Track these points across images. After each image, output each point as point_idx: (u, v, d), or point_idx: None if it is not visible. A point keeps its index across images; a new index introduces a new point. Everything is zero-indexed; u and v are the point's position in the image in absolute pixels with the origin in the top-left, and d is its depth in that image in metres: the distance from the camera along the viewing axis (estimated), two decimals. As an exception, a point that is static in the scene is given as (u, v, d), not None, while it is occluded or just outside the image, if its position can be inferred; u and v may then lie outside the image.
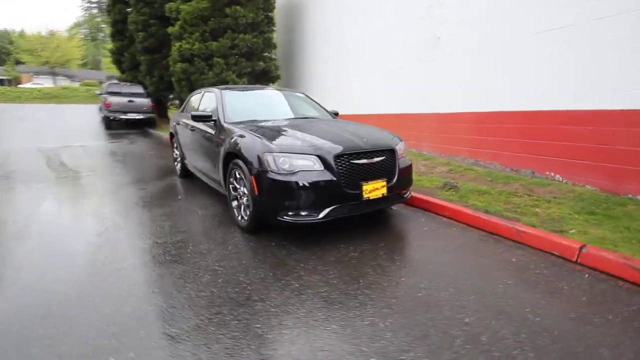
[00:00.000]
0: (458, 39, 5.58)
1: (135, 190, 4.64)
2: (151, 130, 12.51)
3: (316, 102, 4.75)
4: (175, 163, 5.66)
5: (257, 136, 3.00)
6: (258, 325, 1.83)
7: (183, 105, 5.43)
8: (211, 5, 11.19)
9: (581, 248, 2.50)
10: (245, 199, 3.07)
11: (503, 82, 4.90)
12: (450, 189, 4.35)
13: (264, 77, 12.94)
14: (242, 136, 3.12)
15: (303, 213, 2.71)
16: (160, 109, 15.79)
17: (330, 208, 2.75)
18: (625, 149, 3.66)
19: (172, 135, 5.69)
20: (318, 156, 2.74)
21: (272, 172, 2.70)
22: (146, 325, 1.82)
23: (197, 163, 4.39)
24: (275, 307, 1.98)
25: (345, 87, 9.30)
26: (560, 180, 4.25)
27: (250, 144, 2.94)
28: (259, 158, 2.79)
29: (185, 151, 4.93)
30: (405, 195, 3.34)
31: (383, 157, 3.02)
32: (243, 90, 4.31)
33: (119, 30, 15.81)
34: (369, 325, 1.83)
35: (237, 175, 3.12)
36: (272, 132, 3.10)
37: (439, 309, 1.96)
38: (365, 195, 2.84)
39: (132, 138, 10.87)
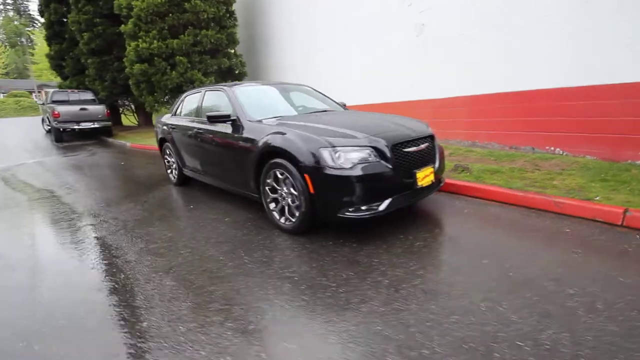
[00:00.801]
0: (444, 24, 5.75)
1: (136, 205, 4.19)
2: (110, 140, 11.46)
3: (322, 94, 4.63)
4: (169, 171, 5.22)
5: (304, 132, 2.84)
6: (379, 328, 1.72)
7: (174, 108, 5.00)
8: (168, 0, 10.41)
9: (625, 212, 2.71)
10: (289, 199, 2.90)
11: (497, 64, 5.15)
12: (462, 170, 4.49)
13: (229, 74, 12.43)
14: (281, 133, 2.93)
15: (364, 208, 2.61)
16: (114, 116, 14.53)
17: (390, 200, 2.69)
18: (618, 119, 4.03)
19: (162, 141, 5.23)
20: (373, 148, 2.66)
21: (330, 168, 2.56)
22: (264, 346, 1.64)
23: (208, 167, 4.08)
24: (384, 306, 1.89)
25: (323, 81, 9.18)
26: (561, 153, 4.58)
27: (298, 140, 2.76)
28: (313, 155, 2.63)
29: (186, 156, 4.56)
30: (442, 181, 3.38)
31: (427, 144, 3.02)
32: (251, 86, 4.06)
33: (57, 33, 14.19)
34: (489, 310, 1.81)
35: (279, 175, 2.93)
36: (314, 127, 2.95)
37: (539, 286, 2.00)
38: (419, 183, 2.82)
39: (91, 149, 9.87)
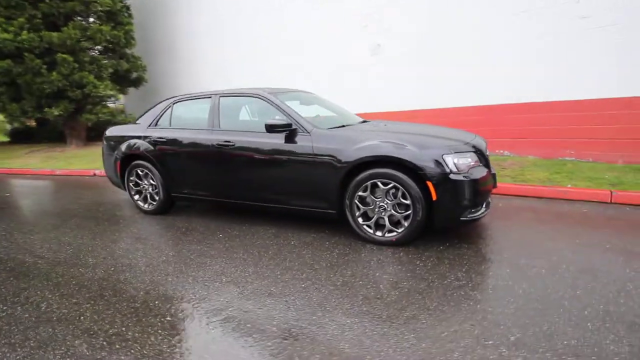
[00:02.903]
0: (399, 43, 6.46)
1: (132, 242, 3.16)
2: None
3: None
4: (138, 197, 4.08)
5: (413, 139, 2.78)
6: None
7: (153, 118, 3.95)
8: (41, -20, 8.18)
9: (611, 193, 3.71)
10: (390, 211, 2.77)
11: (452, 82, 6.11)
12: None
13: (126, 79, 10.44)
14: (388, 141, 2.79)
15: (478, 209, 2.76)
16: None
17: (486, 201, 2.92)
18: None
19: (127, 159, 4.04)
20: (475, 152, 2.84)
21: (453, 173, 2.60)
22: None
23: (232, 186, 3.43)
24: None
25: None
26: (510, 154, 5.77)
27: (415, 148, 2.66)
28: (436, 161, 2.60)
29: (187, 175, 3.69)
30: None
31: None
32: (283, 93, 3.61)
33: None
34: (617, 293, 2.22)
35: (381, 186, 2.74)
36: (408, 135, 2.91)
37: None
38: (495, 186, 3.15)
39: None
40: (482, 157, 2.89)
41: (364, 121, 3.76)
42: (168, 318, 2.02)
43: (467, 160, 2.71)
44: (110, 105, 11.69)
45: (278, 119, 3.09)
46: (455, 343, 1.70)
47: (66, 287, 2.46)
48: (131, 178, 4.09)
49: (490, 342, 1.70)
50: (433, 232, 2.96)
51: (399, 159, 2.66)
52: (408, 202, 2.70)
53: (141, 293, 2.32)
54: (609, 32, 4.79)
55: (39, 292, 2.40)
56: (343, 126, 3.31)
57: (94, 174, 7.04)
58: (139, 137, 3.95)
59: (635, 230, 3.13)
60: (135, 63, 10.25)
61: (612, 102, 4.87)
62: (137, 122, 4.22)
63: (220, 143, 3.39)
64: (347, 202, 2.91)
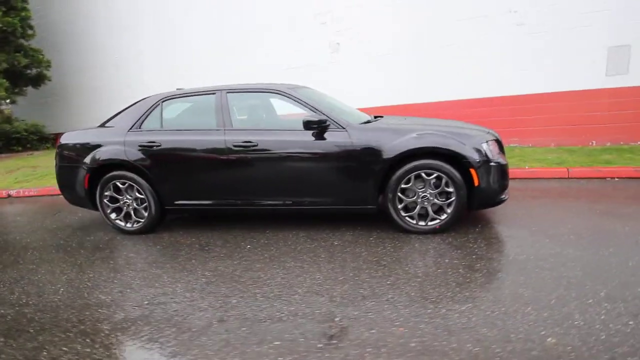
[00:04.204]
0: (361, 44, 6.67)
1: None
2: None
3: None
4: (115, 215, 3.40)
5: (448, 130, 2.90)
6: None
7: (136, 120, 3.30)
8: None
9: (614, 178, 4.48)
10: (432, 200, 2.87)
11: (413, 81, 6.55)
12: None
13: (23, 77, 8.52)
14: (432, 133, 2.86)
15: (506, 191, 3.04)
16: None
17: (504, 185, 3.25)
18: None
19: (102, 170, 3.32)
20: (496, 140, 3.11)
21: (492, 160, 2.81)
22: None
23: (250, 189, 3.11)
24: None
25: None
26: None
27: (457, 138, 2.79)
28: (477, 150, 2.77)
29: (190, 182, 3.20)
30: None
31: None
32: (299, 88, 3.36)
33: None
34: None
35: (424, 176, 2.82)
36: (441, 127, 3.03)
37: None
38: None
39: None
40: (501, 146, 3.20)
41: (377, 116, 3.78)
42: (289, 339, 1.76)
43: (496, 147, 2.97)
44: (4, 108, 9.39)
45: (313, 115, 2.92)
46: (568, 306, 1.86)
47: (103, 334, 1.93)
48: (106, 193, 3.38)
49: (590, 301, 1.92)
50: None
51: (448, 149, 2.77)
52: (451, 189, 2.84)
53: (247, 321, 1.96)
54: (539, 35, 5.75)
55: (71, 349, 1.83)
56: (369, 121, 3.29)
57: (9, 195, 5.58)
58: (117, 143, 3.28)
59: (604, 197, 3.84)
60: (36, 57, 8.41)
61: (543, 97, 5.86)
62: (107, 125, 3.50)
63: (237, 144, 3.04)
64: (390, 195, 2.92)
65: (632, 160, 4.78)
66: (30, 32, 8.27)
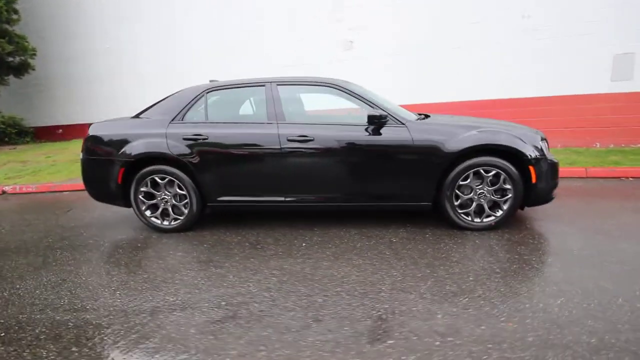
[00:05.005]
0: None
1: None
2: None
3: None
4: (150, 212, 3.20)
5: (504, 128, 2.94)
6: None
7: (180, 111, 3.11)
8: None
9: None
10: (489, 197, 2.90)
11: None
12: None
13: (3, 65, 7.89)
14: (493, 131, 2.89)
15: (555, 190, 3.11)
16: None
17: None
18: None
19: (132, 166, 3.11)
20: (545, 139, 3.19)
21: (547, 157, 2.88)
22: None
23: (310, 186, 3.02)
24: None
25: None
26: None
27: (518, 135, 2.84)
28: (536, 147, 2.82)
29: (241, 179, 3.06)
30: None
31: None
32: (351, 83, 3.30)
33: None
34: None
35: (483, 173, 2.84)
36: (497, 125, 3.06)
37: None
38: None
39: None
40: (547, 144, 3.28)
41: (422, 114, 3.77)
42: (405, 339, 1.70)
43: (546, 145, 3.04)
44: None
45: (373, 110, 2.87)
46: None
47: (194, 338, 1.79)
48: (142, 189, 3.17)
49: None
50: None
51: (510, 147, 2.80)
52: (508, 186, 2.88)
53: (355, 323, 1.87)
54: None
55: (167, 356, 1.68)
56: (426, 116, 3.28)
57: (3, 192, 5.12)
58: (158, 136, 3.08)
59: (631, 196, 3.99)
60: (21, 44, 7.81)
61: (550, 100, 6.11)
62: (143, 116, 3.28)
63: (291, 138, 2.94)
64: (447, 191, 2.92)
65: (638, 161, 5.08)
66: (15, 16, 7.65)
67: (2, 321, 2.01)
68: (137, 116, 3.33)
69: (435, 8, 6.43)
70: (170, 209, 3.22)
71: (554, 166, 2.94)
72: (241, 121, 3.13)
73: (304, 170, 3.02)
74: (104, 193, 3.35)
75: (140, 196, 3.20)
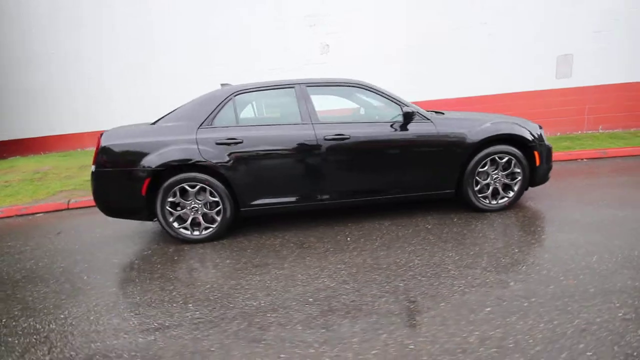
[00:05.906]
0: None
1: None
2: None
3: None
4: (179, 224, 3.05)
5: (508, 119, 3.36)
6: None
7: (208, 115, 2.99)
8: None
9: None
10: (502, 180, 3.29)
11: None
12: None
13: None
14: (506, 122, 3.29)
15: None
16: None
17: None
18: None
19: (171, 171, 2.95)
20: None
21: (545, 143, 3.35)
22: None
23: (347, 183, 3.13)
24: None
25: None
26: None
27: (522, 125, 3.26)
28: (538, 135, 3.27)
29: (277, 182, 3.06)
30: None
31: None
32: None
33: None
34: None
35: (498, 160, 3.22)
36: (504, 117, 3.48)
37: None
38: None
39: None
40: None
41: (435, 111, 4.07)
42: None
43: (544, 133, 3.53)
44: None
45: (408, 107, 3.11)
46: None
47: (305, 333, 1.81)
48: (169, 199, 3.01)
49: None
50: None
51: (519, 135, 3.22)
52: (518, 170, 3.29)
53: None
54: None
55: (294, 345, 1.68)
56: (443, 113, 3.56)
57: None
58: (188, 142, 2.96)
59: (593, 174, 4.73)
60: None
61: (507, 96, 6.93)
62: (162, 123, 3.11)
63: (328, 137, 3.03)
64: (469, 179, 3.25)
65: (585, 145, 6.01)
66: None
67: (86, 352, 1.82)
68: (155, 123, 3.15)
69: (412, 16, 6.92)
70: (201, 218, 3.10)
71: (549, 150, 3.43)
72: (274, 123, 3.14)
73: (341, 168, 3.13)
74: (121, 207, 3.11)
75: (167, 207, 3.03)
